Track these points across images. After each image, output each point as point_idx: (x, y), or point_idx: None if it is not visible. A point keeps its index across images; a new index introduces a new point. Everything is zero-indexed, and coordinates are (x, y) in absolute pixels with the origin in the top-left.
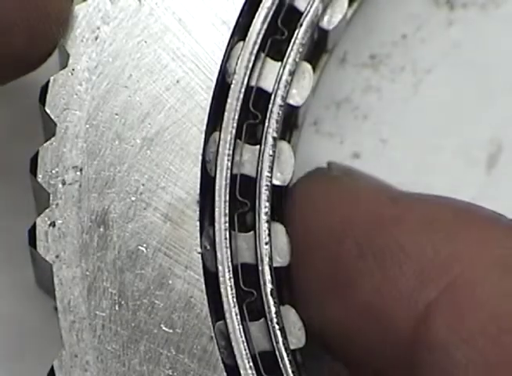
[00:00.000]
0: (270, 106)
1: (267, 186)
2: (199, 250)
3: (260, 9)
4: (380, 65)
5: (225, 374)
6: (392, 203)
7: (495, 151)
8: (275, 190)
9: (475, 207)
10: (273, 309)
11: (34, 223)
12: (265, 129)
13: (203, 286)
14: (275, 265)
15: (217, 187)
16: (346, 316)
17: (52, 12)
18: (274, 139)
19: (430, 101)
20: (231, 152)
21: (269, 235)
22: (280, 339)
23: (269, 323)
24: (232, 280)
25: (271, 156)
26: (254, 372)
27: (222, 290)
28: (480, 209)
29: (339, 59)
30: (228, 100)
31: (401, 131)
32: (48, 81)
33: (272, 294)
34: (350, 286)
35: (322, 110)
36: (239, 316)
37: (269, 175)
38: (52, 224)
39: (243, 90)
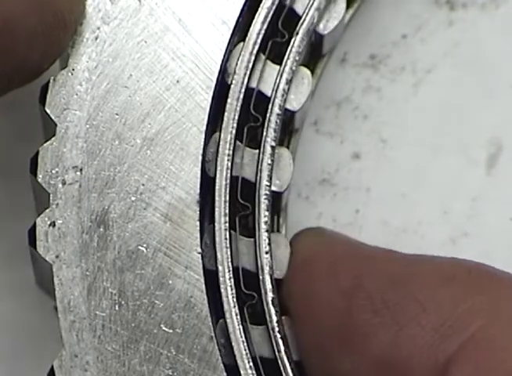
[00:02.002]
0: (268, 115)
1: (266, 195)
2: (199, 250)
3: (260, 10)
4: (380, 65)
5: (225, 374)
6: (402, 261)
7: (495, 151)
8: (273, 196)
9: (486, 266)
10: (275, 318)
11: (34, 223)
12: (264, 138)
13: (203, 286)
14: (275, 276)
15: (217, 187)
16: (358, 370)
17: (68, 22)
18: (272, 147)
19: (430, 101)
20: (231, 152)
21: (269, 244)
22: (282, 348)
23: (271, 332)
24: (232, 280)
25: (269, 164)
26: (254, 372)
27: (222, 290)
28: (491, 268)
29: (339, 59)
30: (228, 100)
31: (401, 131)
32: (48, 81)
33: (273, 304)
34: (363, 340)
35: (322, 110)
36: (239, 316)
37: (268, 184)
38: (52, 224)
39: (243, 90)
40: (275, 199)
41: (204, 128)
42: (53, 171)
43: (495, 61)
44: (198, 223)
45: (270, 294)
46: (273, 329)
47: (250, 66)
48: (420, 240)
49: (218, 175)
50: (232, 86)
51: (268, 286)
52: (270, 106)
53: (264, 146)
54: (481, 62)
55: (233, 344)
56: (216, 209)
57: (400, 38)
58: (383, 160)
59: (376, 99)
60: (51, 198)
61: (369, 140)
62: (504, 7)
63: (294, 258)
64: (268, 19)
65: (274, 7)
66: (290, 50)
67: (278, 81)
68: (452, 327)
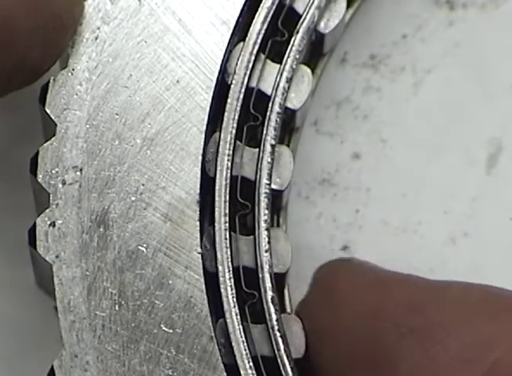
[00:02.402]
0: (268, 113)
1: (266, 193)
2: (199, 250)
3: (260, 9)
4: (380, 65)
5: (225, 374)
6: (425, 287)
7: (495, 151)
8: (273, 194)
9: (508, 291)
10: (274, 317)
11: (34, 223)
12: (264, 137)
13: (203, 286)
14: (275, 271)
15: (217, 187)
16: None
17: (66, 23)
18: (272, 146)
19: (430, 101)
20: (231, 152)
21: (269, 243)
22: (282, 346)
23: (270, 330)
24: (232, 280)
25: (269, 163)
26: (253, 372)
27: (222, 290)
28: (503, 291)
29: (339, 59)
30: (228, 100)
31: (401, 131)
32: (48, 81)
33: (273, 302)
34: (389, 365)
35: (323, 110)
36: (239, 316)
37: (268, 182)
38: (52, 224)
39: (243, 90)
40: (276, 197)
41: (204, 128)
42: (53, 171)
43: (495, 61)
44: (198, 223)
45: (270, 293)
46: (273, 327)
47: (250, 66)
48: (420, 240)
49: (218, 175)
50: (232, 86)
51: (268, 284)
52: (270, 105)
53: (264, 144)
54: (481, 62)
55: (233, 344)
56: (216, 209)
57: (400, 38)
58: (383, 160)
59: (376, 99)
60: (51, 198)
61: (369, 140)
62: (504, 7)
63: (317, 284)
64: (268, 19)
65: (274, 7)
66: (291, 49)
67: (278, 79)
68: (476, 353)
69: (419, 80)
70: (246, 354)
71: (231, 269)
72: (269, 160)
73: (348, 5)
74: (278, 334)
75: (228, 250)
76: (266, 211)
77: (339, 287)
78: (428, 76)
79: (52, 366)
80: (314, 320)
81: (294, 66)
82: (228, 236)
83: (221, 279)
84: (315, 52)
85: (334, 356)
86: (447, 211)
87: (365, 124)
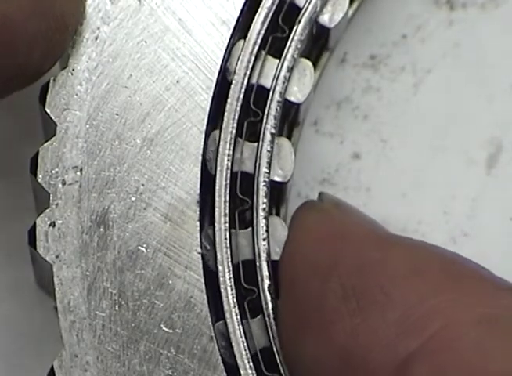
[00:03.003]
0: (268, 102)
1: (265, 181)
2: (199, 250)
3: (260, 9)
4: (380, 65)
5: (225, 374)
6: (380, 244)
7: (495, 151)
8: (275, 186)
9: (462, 260)
10: (270, 305)
11: (34, 223)
12: (264, 125)
13: (203, 286)
14: (274, 258)
15: (217, 187)
16: (321, 356)
17: (68, 24)
18: (272, 135)
19: (430, 101)
20: (231, 152)
21: (267, 231)
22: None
23: (267, 319)
24: (232, 280)
25: (269, 152)
26: (253, 372)
27: (222, 290)
28: (467, 263)
29: (339, 59)
30: (229, 100)
31: (401, 131)
32: (48, 81)
33: (269, 290)
34: (329, 326)
35: (323, 109)
36: (239, 316)
37: (267, 170)
38: (52, 224)
39: (243, 90)
40: (279, 190)
41: (204, 128)
42: (53, 171)
43: (495, 61)
44: (198, 223)
45: (266, 281)
46: (269, 316)
47: (251, 66)
48: (420, 240)
49: (217, 175)
50: (233, 86)
51: (265, 272)
52: (271, 94)
53: (264, 133)
54: (481, 62)
55: (233, 344)
56: (216, 209)
57: (400, 38)
58: (383, 160)
59: (376, 99)
60: (51, 198)
61: (369, 140)
62: (504, 7)
63: (287, 237)
64: (269, 18)
65: (274, 7)
66: (292, 38)
67: (279, 69)
68: (415, 324)
69: (419, 80)
70: (246, 354)
71: (231, 268)
72: (269, 148)
73: (349, 5)
74: (274, 322)
75: (228, 250)
76: (265, 200)
77: (300, 241)
78: (428, 76)
79: (52, 367)
80: (281, 273)
81: (295, 56)
82: (228, 236)
83: (221, 279)
84: (318, 47)
85: (289, 308)
86: (447, 211)
87: (365, 124)
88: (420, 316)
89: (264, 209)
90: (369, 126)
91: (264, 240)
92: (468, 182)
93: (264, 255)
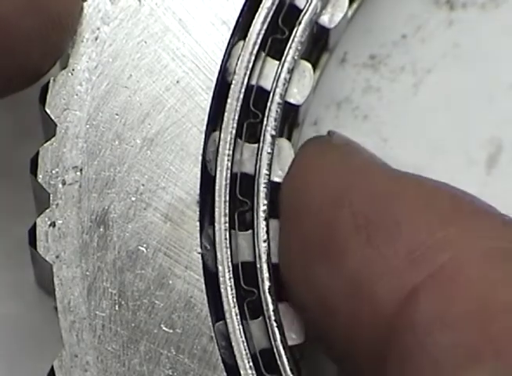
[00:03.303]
0: (269, 104)
1: (265, 183)
2: (199, 250)
3: (260, 9)
4: (380, 65)
5: (225, 374)
6: (392, 178)
7: (495, 151)
8: (275, 188)
9: (471, 196)
10: (271, 307)
11: (34, 223)
12: (264, 127)
13: (203, 286)
14: (274, 261)
15: (217, 187)
16: (331, 284)
17: (65, 24)
18: (272, 136)
19: (430, 101)
20: (231, 152)
21: (267, 233)
22: (278, 336)
23: (267, 320)
24: (232, 280)
25: (269, 153)
26: (253, 372)
27: (222, 290)
28: (475, 199)
29: (339, 59)
30: (229, 100)
31: (401, 131)
32: (48, 81)
33: (269, 292)
34: (340, 254)
35: (323, 109)
36: (239, 316)
37: (268, 172)
38: (52, 224)
39: (243, 90)
40: (278, 191)
41: (204, 128)
42: (53, 172)
43: (495, 61)
44: (198, 223)
45: (267, 283)
46: (269, 317)
47: (250, 66)
48: None
49: (218, 175)
50: (233, 86)
51: (266, 274)
52: (271, 96)
53: (264, 134)
54: (481, 62)
55: (233, 344)
56: (216, 209)
57: (400, 38)
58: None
59: (376, 99)
60: (51, 198)
61: (369, 140)
62: (504, 7)
63: (293, 165)
64: (269, 18)
65: (274, 7)
66: (293, 40)
67: (279, 70)
68: (424, 255)
69: (419, 80)
70: (246, 354)
71: (231, 268)
72: (269, 150)
73: (348, 5)
74: (274, 324)
75: (228, 250)
76: (265, 201)
77: (310, 170)
78: (428, 76)
79: (52, 367)
80: (285, 201)
81: (296, 58)
82: (228, 237)
83: (221, 279)
84: (317, 48)
85: (295, 234)
86: None
87: (365, 124)
88: (430, 247)
89: (264, 211)
90: (369, 126)
91: (264, 241)
92: (468, 182)
93: (264, 257)
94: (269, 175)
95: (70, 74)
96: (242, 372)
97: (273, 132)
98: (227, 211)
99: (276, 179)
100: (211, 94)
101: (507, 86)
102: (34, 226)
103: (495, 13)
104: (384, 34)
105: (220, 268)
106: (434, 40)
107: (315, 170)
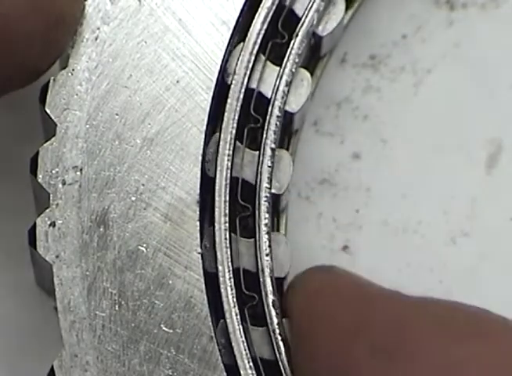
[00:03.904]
0: (268, 117)
1: (266, 197)
2: (199, 250)
3: (260, 10)
4: (380, 65)
5: (225, 374)
6: (405, 304)
7: (495, 151)
8: (272, 198)
9: (486, 312)
10: (275, 320)
11: (34, 223)
12: (264, 140)
13: (203, 286)
14: (276, 275)
15: (217, 187)
16: None
17: (67, 22)
18: (272, 150)
19: (430, 101)
20: (231, 152)
21: (270, 246)
22: (283, 350)
23: (272, 333)
24: (232, 280)
25: (269, 167)
26: (253, 372)
27: (222, 290)
28: (490, 314)
29: (339, 59)
30: (228, 101)
31: (401, 131)
32: (48, 81)
33: (273, 306)
34: None
35: (323, 110)
36: (239, 317)
37: (268, 186)
38: (52, 224)
39: (243, 90)
40: (275, 201)
41: (204, 128)
42: (53, 171)
43: (495, 61)
44: (198, 223)
45: (271, 297)
46: (274, 331)
47: (250, 66)
48: (420, 240)
49: (217, 176)
50: (232, 86)
51: (269, 288)
52: (270, 109)
53: (264, 148)
54: (481, 62)
55: (233, 344)
56: (216, 209)
57: (400, 38)
58: (383, 160)
59: (376, 99)
60: (51, 198)
61: (369, 140)
62: (504, 7)
63: (300, 294)
64: (268, 19)
65: (274, 7)
66: (290, 52)
67: (278, 82)
68: (444, 374)
69: (419, 80)
70: (246, 354)
71: (231, 269)
72: (269, 163)
73: (348, 6)
74: (279, 337)
75: (228, 250)
76: (267, 215)
77: (320, 298)
78: (428, 76)
79: (52, 367)
80: (295, 323)
81: (294, 70)
82: (228, 237)
83: (221, 279)
84: (314, 55)
85: (310, 363)
86: (447, 211)
87: (365, 124)
88: (449, 368)
89: (266, 224)
90: (369, 126)
91: (267, 255)
92: (468, 182)
93: (267, 270)
94: (270, 188)
95: (70, 74)
96: (242, 372)
97: (273, 146)
98: (227, 211)
99: (273, 191)
100: (211, 94)
101: (507, 86)
102: (34, 226)
103: (495, 13)
104: (384, 34)
105: (220, 268)
106: (434, 40)
107: (324, 298)
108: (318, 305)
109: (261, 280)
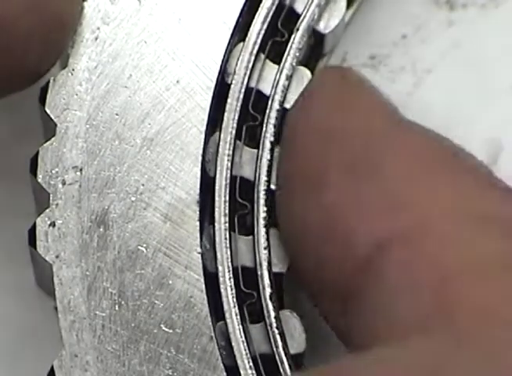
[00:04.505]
0: (268, 111)
1: (265, 190)
2: (199, 250)
3: (260, 9)
4: (380, 65)
5: (225, 374)
6: (393, 122)
7: (495, 151)
8: (273, 194)
9: (466, 154)
10: (272, 314)
11: (34, 223)
12: (263, 134)
13: (203, 286)
14: (274, 270)
15: (217, 187)
16: (307, 216)
17: (66, 23)
18: (272, 143)
19: (430, 101)
20: (231, 152)
21: (268, 240)
22: (280, 344)
23: (269, 327)
24: (232, 280)
25: (268, 160)
26: (253, 372)
27: (222, 290)
28: (469, 157)
29: (339, 59)
30: (228, 100)
31: None
32: (48, 81)
33: (271, 299)
34: (320, 186)
35: None
36: (239, 317)
37: (267, 179)
38: (52, 224)
39: (243, 90)
40: (273, 198)
41: (204, 128)
42: (53, 171)
43: (495, 61)
44: (198, 223)
45: (268, 290)
46: (271, 325)
47: (250, 66)
48: None
49: (217, 175)
50: (232, 86)
51: (267, 281)
52: (270, 102)
53: (263, 141)
54: (481, 62)
55: (233, 344)
56: (216, 209)
57: (400, 38)
58: None
59: None
60: (51, 198)
61: None
62: (504, 7)
63: (305, 90)
64: (268, 19)
65: (274, 7)
66: (291, 46)
67: (278, 77)
68: (403, 205)
69: (419, 80)
70: (246, 354)
71: (231, 269)
72: (268, 157)
73: (348, 5)
74: (276, 331)
75: (228, 250)
76: (265, 209)
77: (317, 100)
78: (428, 76)
79: (52, 366)
80: (288, 126)
81: (294, 64)
82: (228, 236)
83: (221, 279)
84: (315, 53)
85: (285, 169)
86: None
87: None
88: (410, 199)
89: (264, 218)
90: None
91: (265, 248)
92: None
93: (265, 264)
94: (269, 181)
95: (70, 74)
96: (242, 372)
97: (272, 139)
98: (227, 211)
99: (273, 187)
100: (211, 94)
101: (507, 86)
102: (34, 226)
103: (495, 13)
104: (383, 34)
105: (220, 268)
106: (434, 40)
107: (322, 101)
108: (311, 105)
109: (258, 273)
